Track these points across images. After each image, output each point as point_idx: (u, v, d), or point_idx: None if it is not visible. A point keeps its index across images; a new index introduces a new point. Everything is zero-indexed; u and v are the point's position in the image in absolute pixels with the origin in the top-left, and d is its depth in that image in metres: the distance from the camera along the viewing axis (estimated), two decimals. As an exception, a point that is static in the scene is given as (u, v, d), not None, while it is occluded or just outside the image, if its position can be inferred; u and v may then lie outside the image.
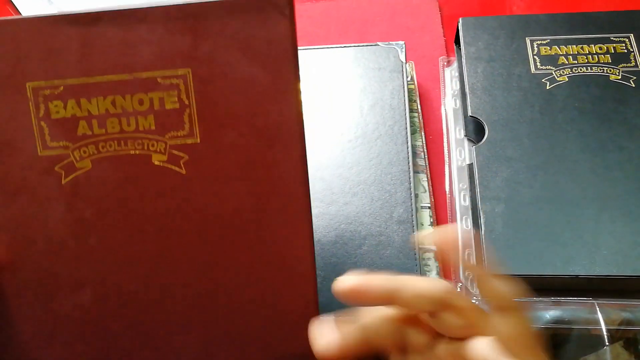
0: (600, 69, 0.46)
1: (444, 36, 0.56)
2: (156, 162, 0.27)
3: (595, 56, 0.47)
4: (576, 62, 0.47)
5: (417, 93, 0.51)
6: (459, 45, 0.50)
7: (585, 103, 0.45)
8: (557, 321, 0.39)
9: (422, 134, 0.49)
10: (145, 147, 0.27)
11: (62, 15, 0.26)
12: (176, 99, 0.27)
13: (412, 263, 0.39)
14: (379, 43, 0.49)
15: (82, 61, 0.26)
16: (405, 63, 0.49)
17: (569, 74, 0.46)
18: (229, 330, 0.30)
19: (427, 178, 0.46)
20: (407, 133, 0.44)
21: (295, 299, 0.29)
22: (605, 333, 0.38)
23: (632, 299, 0.40)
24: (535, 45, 0.48)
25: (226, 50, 0.26)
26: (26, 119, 0.27)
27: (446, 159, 0.49)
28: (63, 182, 0.27)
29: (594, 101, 0.45)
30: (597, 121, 0.44)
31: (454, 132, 0.50)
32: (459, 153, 0.48)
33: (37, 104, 0.27)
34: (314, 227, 0.41)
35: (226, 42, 0.26)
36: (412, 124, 0.48)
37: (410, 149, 0.44)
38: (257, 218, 0.28)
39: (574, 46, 0.48)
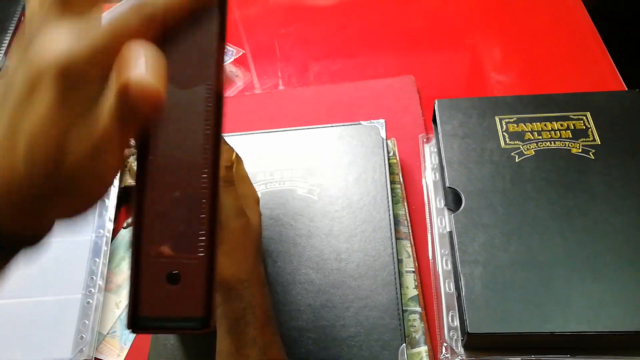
0: (562, 144, 0.51)
1: (423, 116, 0.62)
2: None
3: (558, 132, 0.52)
4: (541, 137, 0.52)
5: (399, 167, 0.55)
6: (436, 124, 0.56)
7: (551, 174, 0.49)
8: (536, 378, 0.41)
9: (405, 204, 0.53)
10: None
11: None
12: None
13: (397, 323, 0.42)
14: (361, 122, 0.54)
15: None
16: (386, 139, 0.53)
17: (535, 148, 0.51)
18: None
19: (411, 244, 0.50)
20: (388, 203, 0.48)
21: None
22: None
23: (606, 356, 0.42)
24: (504, 123, 0.54)
25: None
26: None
27: (428, 226, 0.52)
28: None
29: (559, 172, 0.49)
30: (563, 190, 0.48)
31: (434, 202, 0.54)
32: (440, 221, 0.52)
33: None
34: (305, 293, 0.44)
35: None
36: (395, 194, 0.52)
37: (392, 217, 0.48)
38: None
39: (538, 123, 0.53)
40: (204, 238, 0.25)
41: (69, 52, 0.19)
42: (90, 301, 0.49)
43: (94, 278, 0.50)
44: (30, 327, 0.48)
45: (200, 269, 0.25)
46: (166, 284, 0.24)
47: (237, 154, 0.42)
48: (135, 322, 0.25)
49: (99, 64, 0.20)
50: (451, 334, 0.45)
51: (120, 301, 0.51)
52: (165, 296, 0.25)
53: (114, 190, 0.55)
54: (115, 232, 0.54)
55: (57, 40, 0.20)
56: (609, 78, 0.63)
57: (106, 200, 0.54)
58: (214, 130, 0.25)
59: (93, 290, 0.50)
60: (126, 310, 0.25)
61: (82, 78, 0.20)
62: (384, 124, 0.54)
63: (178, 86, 0.24)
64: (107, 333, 0.49)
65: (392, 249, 0.46)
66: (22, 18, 0.80)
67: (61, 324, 0.48)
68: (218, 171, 0.26)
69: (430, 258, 0.50)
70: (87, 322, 0.48)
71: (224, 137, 0.36)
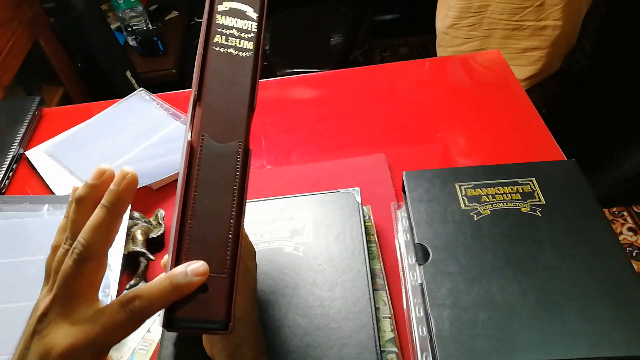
0: (513, 204, 0.60)
1: (393, 186, 0.70)
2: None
3: (509, 195, 0.61)
4: (495, 199, 0.60)
5: (374, 229, 0.63)
6: (405, 191, 0.64)
7: (505, 229, 0.57)
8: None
9: (380, 260, 0.59)
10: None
11: None
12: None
13: (374, 357, 0.47)
14: (339, 190, 0.62)
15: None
16: (362, 205, 0.61)
17: (491, 208, 0.59)
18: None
19: (387, 294, 0.56)
20: (365, 256, 0.55)
21: None
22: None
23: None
24: (463, 189, 0.62)
25: None
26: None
27: (402, 279, 0.58)
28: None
29: (511, 228, 0.57)
30: (516, 242, 0.55)
31: (406, 259, 0.60)
32: (412, 275, 0.58)
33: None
34: (293, 336, 0.49)
35: None
36: (371, 251, 0.59)
37: (368, 269, 0.54)
38: None
39: (492, 188, 0.62)
40: (228, 260, 0.32)
41: (70, 346, 0.30)
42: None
43: (98, 335, 0.54)
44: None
45: (224, 283, 0.32)
46: (196, 292, 0.31)
47: None
48: (171, 321, 0.31)
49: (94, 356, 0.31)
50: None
51: (121, 357, 0.55)
52: (195, 303, 0.31)
53: (118, 256, 0.61)
54: (119, 292, 0.59)
55: (61, 337, 0.31)
56: (551, 150, 0.73)
57: (111, 264, 0.60)
58: (242, 177, 0.33)
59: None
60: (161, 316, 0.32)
61: None
62: (359, 191, 0.62)
63: (217, 140, 0.33)
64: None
65: (369, 294, 0.51)
66: (37, 112, 0.90)
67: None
68: (243, 210, 0.33)
69: (405, 307, 0.56)
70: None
71: None
